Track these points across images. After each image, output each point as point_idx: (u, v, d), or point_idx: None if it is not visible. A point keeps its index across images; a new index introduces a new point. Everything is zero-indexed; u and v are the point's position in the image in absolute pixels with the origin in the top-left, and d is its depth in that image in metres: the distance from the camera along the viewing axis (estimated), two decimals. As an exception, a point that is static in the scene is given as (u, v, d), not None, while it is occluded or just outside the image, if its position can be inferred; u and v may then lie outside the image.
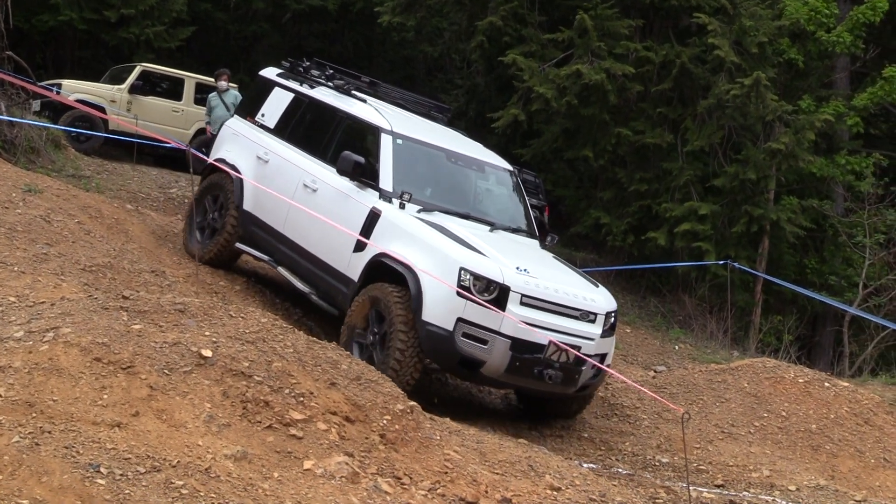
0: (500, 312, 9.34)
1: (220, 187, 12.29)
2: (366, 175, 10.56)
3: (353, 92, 11.73)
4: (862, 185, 19.93)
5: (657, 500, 8.92)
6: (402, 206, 10.32)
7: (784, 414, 10.80)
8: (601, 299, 10.18)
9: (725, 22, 18.68)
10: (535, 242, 11.23)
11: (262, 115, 12.37)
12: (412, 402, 8.39)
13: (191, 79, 21.63)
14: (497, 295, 9.44)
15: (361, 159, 10.46)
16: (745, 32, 18.80)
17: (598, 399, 11.13)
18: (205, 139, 19.23)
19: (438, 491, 7.51)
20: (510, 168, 11.98)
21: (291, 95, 12.21)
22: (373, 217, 10.32)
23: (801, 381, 11.34)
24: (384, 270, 9.95)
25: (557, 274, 10.34)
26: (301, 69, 12.45)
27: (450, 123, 12.76)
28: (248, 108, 12.85)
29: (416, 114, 12.22)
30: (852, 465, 10.15)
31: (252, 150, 12.08)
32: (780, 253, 19.69)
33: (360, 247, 10.27)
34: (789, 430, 10.57)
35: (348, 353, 8.93)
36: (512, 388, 10.53)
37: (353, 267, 10.30)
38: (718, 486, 9.34)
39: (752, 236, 18.91)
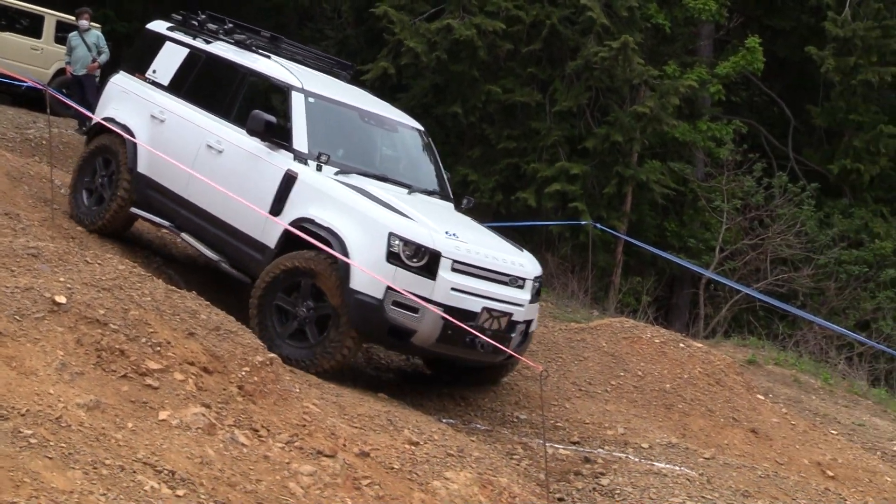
0: (432, 280, 9.06)
1: (109, 149, 11.46)
2: (278, 135, 10.05)
3: (256, 48, 11.16)
4: (721, 152, 20.36)
5: (514, 456, 9.01)
6: (318, 169, 9.83)
7: (640, 373, 10.97)
8: (529, 264, 9.98)
9: (601, -15, 18.79)
10: (451, 205, 10.92)
11: (154, 72, 11.61)
12: (272, 354, 8.30)
13: (51, 16, 20.86)
14: (428, 261, 9.11)
15: (273, 119, 9.97)
16: (614, -6, 18.94)
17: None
18: (65, 80, 18.64)
19: (296, 444, 7.45)
20: (420, 128, 11.61)
21: (186, 51, 11.50)
22: (288, 180, 9.80)
23: (657, 341, 11.52)
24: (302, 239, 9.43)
25: (484, 238, 10.10)
26: (195, 23, 11.75)
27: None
28: (137, 64, 11.99)
29: (319, 71, 11.70)
30: (703, 424, 10.36)
31: (145, 109, 11.33)
32: (642, 214, 20.00)
33: (275, 211, 9.76)
34: (644, 390, 10.74)
35: (208, 302, 8.76)
36: (441, 357, 10.01)
37: (269, 233, 9.78)
38: (574, 443, 9.45)
39: (621, 198, 19.16)
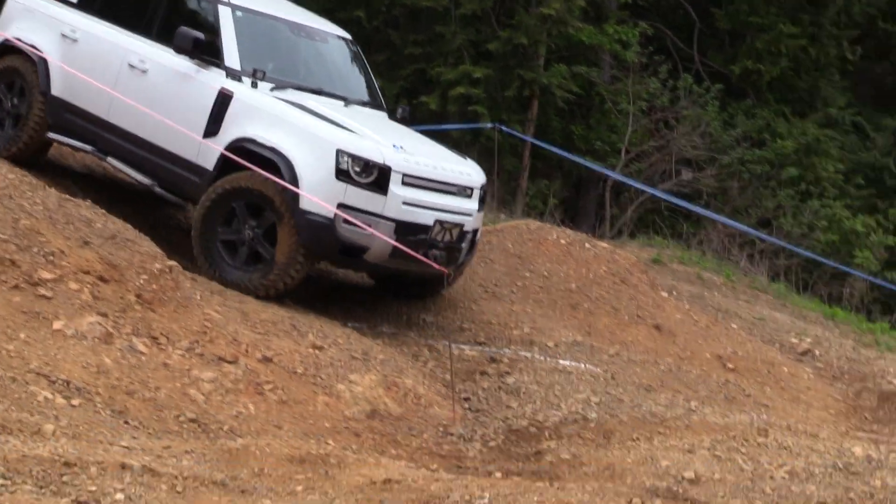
0: (384, 195, 8.90)
1: (17, 72, 10.63)
2: (207, 52, 9.62)
3: None
4: (627, 55, 20.28)
5: (420, 358, 8.99)
6: (254, 85, 9.47)
7: (546, 274, 10.96)
8: (475, 173, 9.83)
9: None
10: (385, 115, 10.61)
11: None
12: (171, 262, 8.17)
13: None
14: (377, 176, 8.93)
15: (201, 35, 9.55)
16: None
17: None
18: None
19: (197, 350, 7.37)
20: (348, 36, 11.23)
21: None
22: (223, 99, 9.42)
23: (563, 242, 11.52)
24: (246, 157, 9.07)
25: (429, 149, 9.90)
26: None
27: None
28: None
29: None
30: (608, 322, 10.42)
31: (54, 28, 10.54)
32: (548, 118, 19.92)
33: (211, 132, 9.40)
34: (550, 290, 10.75)
35: (104, 211, 8.54)
36: (393, 273, 9.78)
37: (205, 155, 9.40)
38: (480, 344, 9.45)
39: (523, 101, 19.04)
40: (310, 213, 8.80)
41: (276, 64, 10.00)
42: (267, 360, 7.62)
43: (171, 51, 9.71)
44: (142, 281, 7.71)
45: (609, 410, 8.07)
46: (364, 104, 10.41)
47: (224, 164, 9.22)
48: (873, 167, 23.33)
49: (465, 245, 9.49)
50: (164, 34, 9.87)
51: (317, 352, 8.01)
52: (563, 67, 19.21)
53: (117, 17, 10.36)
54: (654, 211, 19.52)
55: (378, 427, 7.45)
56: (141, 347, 7.10)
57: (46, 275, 7.16)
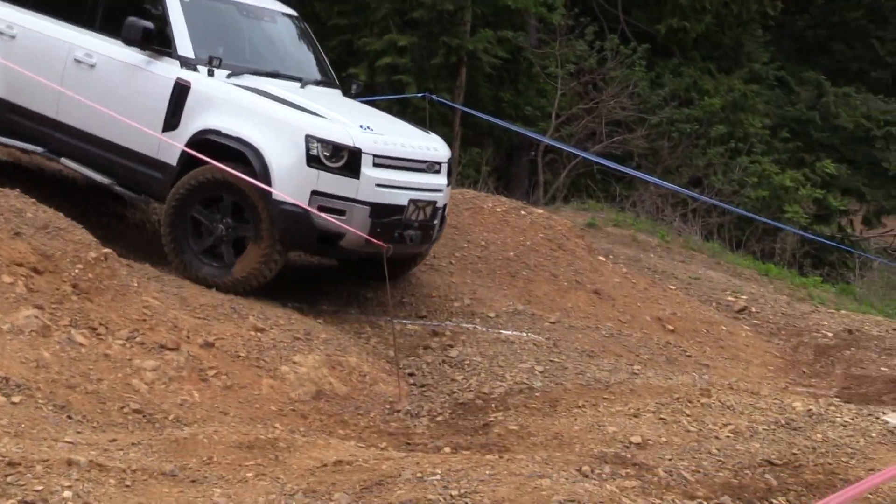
0: (356, 179, 8.73)
1: None
2: (158, 42, 9.29)
3: None
4: (553, 17, 20.30)
5: (362, 335, 8.98)
6: (210, 74, 9.20)
7: (483, 243, 10.98)
8: (441, 147, 9.70)
9: None
10: (339, 92, 10.39)
11: None
12: (106, 250, 8.07)
13: None
14: (348, 160, 8.73)
15: (150, 25, 9.21)
16: None
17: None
18: None
19: (137, 339, 7.30)
20: (295, 14, 10.96)
21: None
22: (181, 90, 9.14)
23: (498, 210, 11.55)
24: (211, 149, 8.81)
25: (393, 126, 9.72)
26: None
27: None
28: None
29: None
30: (547, 289, 10.47)
31: None
32: (477, 86, 19.90)
33: (171, 126, 9.10)
34: (488, 259, 10.77)
35: (34, 200, 8.39)
36: (368, 257, 9.43)
37: (166, 150, 9.10)
38: (421, 318, 9.46)
39: (451, 68, 19.00)
40: (283, 203, 8.57)
41: (228, 49, 9.73)
42: (209, 345, 7.56)
43: (120, 43, 9.39)
44: (77, 270, 7.61)
45: (553, 379, 8.10)
46: (319, 83, 10.20)
47: (188, 159, 8.93)
48: (799, 121, 23.62)
49: (436, 222, 9.44)
50: (109, 26, 9.54)
51: (259, 334, 7.97)
52: (490, 32, 19.19)
53: (57, 11, 9.94)
54: (587, 175, 19.63)
55: (325, 408, 7.44)
56: (80, 339, 7.02)
57: (-22, 269, 7.06)
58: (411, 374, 8.27)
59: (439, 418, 7.61)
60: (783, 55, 25.09)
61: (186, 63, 9.25)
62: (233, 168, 8.63)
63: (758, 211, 18.99)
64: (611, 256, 12.33)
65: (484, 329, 9.13)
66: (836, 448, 6.92)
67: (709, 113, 20.73)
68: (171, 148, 9.05)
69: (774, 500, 6.13)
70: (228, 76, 9.27)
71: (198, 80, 9.17)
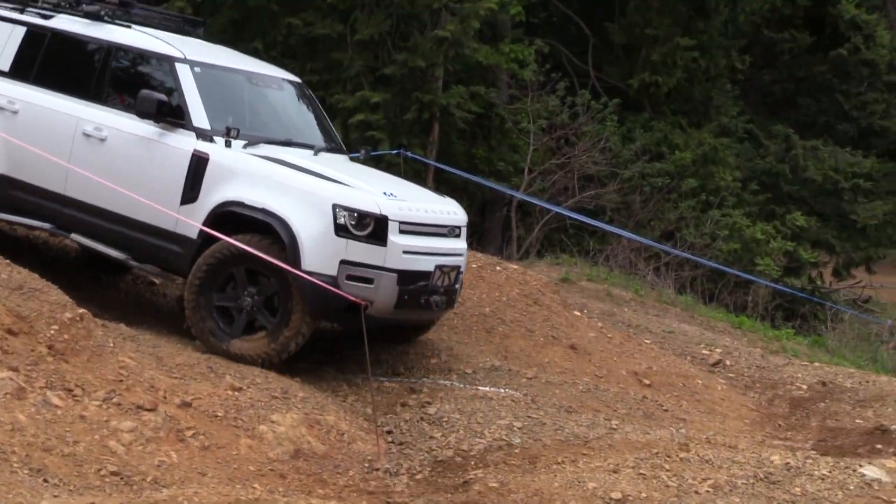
0: (384, 246, 8.64)
1: None
2: (171, 114, 9.08)
3: (110, 18, 9.85)
4: (525, 73, 20.49)
5: (339, 393, 8.95)
6: (228, 145, 8.98)
7: (459, 299, 10.98)
8: (459, 211, 9.65)
9: (391, -90, 18.57)
10: (346, 157, 10.23)
11: None
12: (82, 310, 8.02)
13: None
14: (375, 227, 8.60)
15: (164, 98, 9.03)
16: (410, -80, 18.76)
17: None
18: None
19: (114, 400, 7.24)
20: (299, 80, 10.83)
21: (23, 29, 9.94)
22: (199, 162, 8.91)
23: (473, 266, 11.56)
24: (235, 222, 8.70)
25: (412, 192, 9.63)
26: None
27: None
28: None
29: (172, 32, 10.41)
30: (523, 345, 10.48)
31: None
32: (450, 142, 20.02)
33: (189, 198, 8.89)
34: (464, 315, 10.77)
35: (8, 261, 8.34)
36: (395, 324, 9.38)
37: (186, 223, 8.85)
38: (399, 375, 9.43)
39: (424, 124, 19.11)
40: (313, 273, 8.42)
41: (240, 118, 9.56)
42: (186, 405, 7.51)
43: (131, 115, 9.20)
44: (52, 331, 7.55)
45: (532, 435, 8.09)
46: (329, 150, 10.01)
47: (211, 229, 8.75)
48: (768, 173, 23.85)
49: (458, 286, 9.41)
50: (116, 98, 9.43)
51: (236, 393, 7.92)
52: (462, 88, 19.33)
53: (61, 85, 9.69)
54: (560, 229, 19.72)
55: (303, 467, 7.37)
56: (56, 401, 6.95)
57: (-48, 331, 7.01)
58: (389, 432, 8.23)
59: (419, 476, 7.58)
60: (752, 109, 25.37)
61: (202, 134, 9.05)
62: (258, 240, 8.55)
63: (729, 264, 19.11)
64: (585, 311, 12.36)
65: (461, 385, 9.11)
66: (814, 502, 6.97)
67: (680, 167, 20.90)
68: (191, 220, 8.84)
69: (756, 556, 6.16)
70: (245, 146, 9.09)
71: (216, 151, 8.97)
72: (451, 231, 9.35)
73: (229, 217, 8.75)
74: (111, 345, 7.91)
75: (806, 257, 22.06)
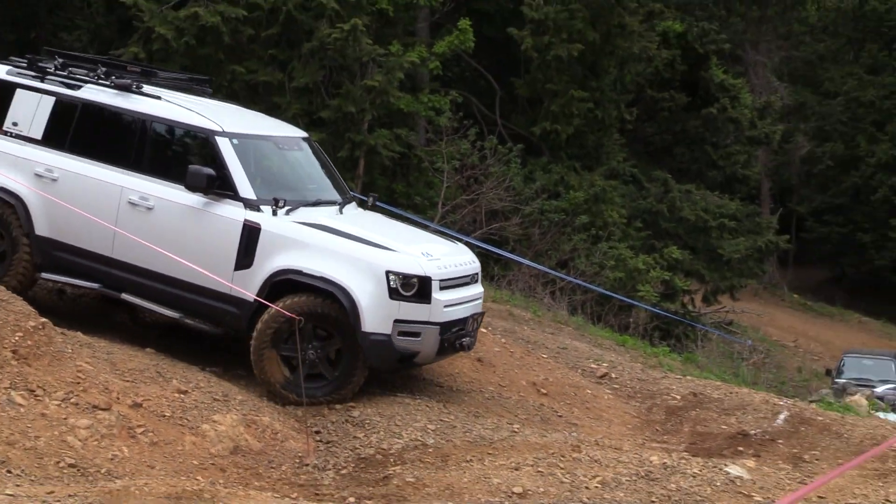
0: (428, 304, 8.52)
1: None
2: (219, 186, 8.66)
3: (144, 90, 9.33)
4: (440, 120, 20.61)
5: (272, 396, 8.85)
6: (274, 213, 8.62)
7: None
8: (474, 258, 9.54)
9: (326, -26, 18.59)
10: (355, 204, 9.86)
11: (14, 125, 9.44)
12: (44, 319, 7.89)
13: None
14: (419, 287, 8.45)
15: (213, 172, 8.60)
16: (343, -17, 18.81)
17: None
18: None
19: (72, 400, 7.12)
20: (306, 135, 10.36)
21: (52, 99, 9.38)
22: (251, 231, 8.54)
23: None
24: (291, 286, 8.44)
25: (437, 246, 9.32)
26: (46, 66, 9.62)
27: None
28: None
29: (181, 91, 9.89)
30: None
31: (25, 168, 9.27)
32: (374, 178, 20.02)
33: (244, 264, 8.53)
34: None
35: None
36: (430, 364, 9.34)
37: (244, 285, 8.51)
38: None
39: (354, 161, 19.10)
40: (372, 333, 8.29)
41: (276, 184, 9.20)
42: (137, 405, 7.41)
43: (177, 186, 8.78)
44: (17, 338, 7.41)
45: (444, 436, 8.07)
46: (346, 203, 9.62)
47: (267, 294, 8.44)
48: (649, 212, 24.24)
49: (479, 326, 9.40)
50: (158, 170, 8.98)
51: (182, 396, 7.82)
52: (386, 131, 19.39)
53: (98, 154, 9.20)
54: (469, 256, 19.78)
55: (241, 462, 7.31)
56: (19, 400, 6.82)
57: (-78, 337, 6.85)
58: (318, 432, 8.16)
59: (344, 471, 7.52)
60: (636, 156, 25.81)
61: (250, 204, 8.68)
62: (321, 301, 8.36)
63: (615, 290, 19.32)
64: (490, 328, 12.35)
65: (382, 392, 9.07)
66: (687, 496, 7.02)
67: (573, 204, 21.13)
68: (245, 284, 8.52)
69: (637, 543, 6.21)
70: (287, 213, 8.71)
71: (267, 221, 8.60)
72: (473, 279, 9.26)
73: (287, 283, 8.47)
74: (70, 351, 7.79)
75: (680, 285, 22.42)
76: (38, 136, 9.37)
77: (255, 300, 8.44)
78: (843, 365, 23.43)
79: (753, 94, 31.12)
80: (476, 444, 7.95)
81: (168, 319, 9.38)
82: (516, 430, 8.45)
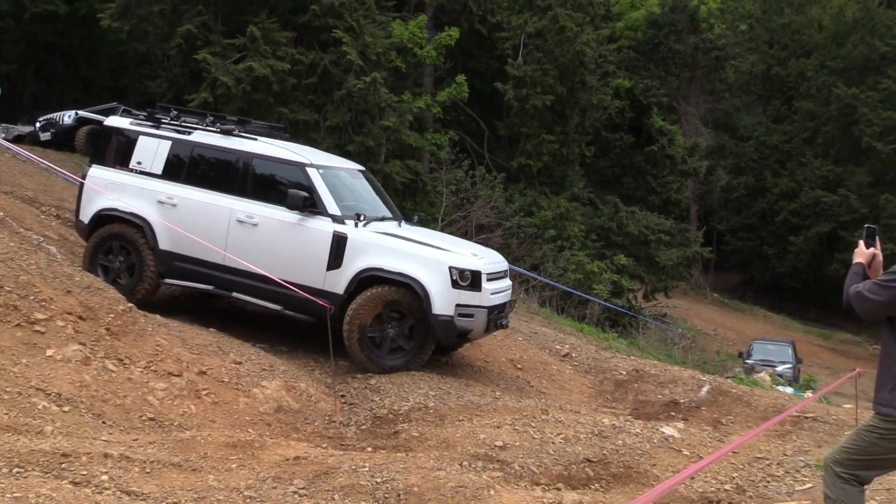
0: (479, 292, 8.65)
1: (121, 236, 9.30)
2: (311, 206, 8.76)
3: (241, 133, 9.35)
4: (441, 153, 20.63)
5: (309, 367, 8.84)
6: (356, 226, 8.76)
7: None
8: (503, 258, 9.69)
9: (354, 37, 18.58)
10: (408, 224, 9.80)
11: (139, 164, 9.42)
12: (131, 304, 7.87)
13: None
14: (473, 279, 8.58)
15: (307, 195, 8.71)
16: (367, 45, 18.79)
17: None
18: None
19: (152, 368, 7.11)
20: (363, 168, 10.36)
21: (169, 143, 9.38)
22: (339, 240, 8.65)
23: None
24: (374, 281, 8.56)
25: (480, 249, 9.52)
26: (160, 116, 9.63)
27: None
28: (112, 159, 9.59)
29: (266, 135, 9.71)
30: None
31: (148, 197, 9.27)
32: (389, 197, 20.01)
33: (334, 266, 8.64)
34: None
35: (80, 268, 8.14)
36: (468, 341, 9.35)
37: (333, 282, 8.65)
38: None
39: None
40: (440, 315, 8.45)
41: (352, 203, 9.22)
42: (202, 373, 7.40)
43: (276, 206, 8.86)
44: (110, 318, 7.41)
45: (442, 400, 8.06)
46: (402, 220, 9.70)
47: (355, 288, 8.61)
48: (602, 228, 24.25)
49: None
50: (260, 194, 8.98)
51: (237, 366, 7.81)
52: (398, 162, 19.38)
53: (210, 183, 9.18)
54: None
55: (283, 418, 7.29)
56: (111, 367, 6.82)
57: (40, 315, 6.81)
58: (343, 396, 8.16)
59: (363, 427, 7.52)
60: (592, 184, 25.81)
61: (336, 219, 8.77)
62: (397, 291, 8.51)
63: (575, 288, 19.34)
64: (478, 316, 12.35)
65: (393, 365, 9.05)
66: (631, 450, 7.02)
67: (543, 221, 21.16)
68: (336, 281, 8.66)
69: (592, 486, 6.20)
70: (365, 225, 8.83)
71: (352, 232, 8.72)
72: (505, 273, 9.38)
73: (370, 279, 8.60)
74: (150, 329, 7.78)
75: (626, 285, 22.45)
76: (159, 171, 9.36)
77: (354, 276, 8.54)
78: (752, 349, 23.48)
79: (685, 137, 31.15)
80: (466, 407, 7.95)
81: (256, 308, 9.40)
82: (498, 396, 8.44)
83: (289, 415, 7.42)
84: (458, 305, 8.55)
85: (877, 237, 4.36)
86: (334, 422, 7.56)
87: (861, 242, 4.35)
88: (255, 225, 8.94)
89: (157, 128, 9.53)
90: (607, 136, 26.36)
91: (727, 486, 6.24)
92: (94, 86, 29.62)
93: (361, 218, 8.83)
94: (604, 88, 23.92)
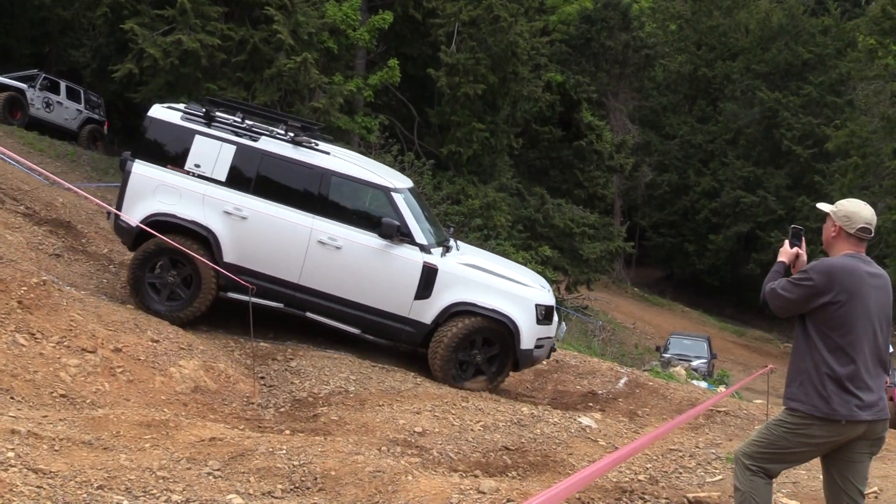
0: (551, 324, 9.08)
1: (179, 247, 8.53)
2: (400, 234, 8.59)
3: (311, 143, 8.80)
4: (370, 137, 20.49)
5: (229, 348, 8.71)
6: (443, 255, 8.69)
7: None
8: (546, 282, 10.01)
9: (286, 16, 18.31)
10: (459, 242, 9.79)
11: (197, 166, 8.64)
12: (46, 277, 7.66)
13: None
14: (547, 313, 8.95)
15: (398, 223, 8.53)
16: (299, 24, 18.53)
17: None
18: None
19: (65, 343, 6.93)
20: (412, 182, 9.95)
21: (233, 148, 8.63)
22: (429, 271, 8.57)
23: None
24: (463, 313, 8.63)
25: (535, 276, 9.67)
26: (218, 116, 8.83)
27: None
28: (164, 156, 8.71)
29: (308, 133, 9.02)
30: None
31: (212, 205, 8.58)
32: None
33: (423, 295, 8.58)
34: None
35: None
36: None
37: (421, 312, 8.62)
38: (271, 338, 9.22)
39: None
40: (526, 349, 8.79)
41: (427, 228, 8.99)
42: (118, 350, 7.24)
43: (361, 230, 8.63)
44: (22, 291, 7.19)
45: (362, 385, 8.06)
46: (451, 237, 9.59)
47: (442, 320, 8.67)
48: (529, 219, 24.44)
49: None
50: (341, 216, 8.67)
51: (154, 344, 7.67)
52: (327, 144, 19.18)
53: (284, 198, 8.64)
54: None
55: (200, 399, 7.19)
56: (22, 341, 6.62)
57: (-54, 287, 6.58)
58: (263, 378, 8.09)
59: (282, 409, 7.47)
60: (521, 175, 26.00)
61: (423, 248, 8.69)
62: (484, 322, 8.66)
63: (499, 277, 19.42)
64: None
65: (315, 348, 9.02)
66: (549, 439, 7.14)
67: (471, 209, 21.20)
68: (425, 311, 8.67)
69: (509, 474, 6.27)
70: (443, 254, 8.80)
71: (441, 264, 8.68)
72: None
73: (460, 312, 8.67)
74: (64, 304, 7.58)
75: (550, 277, 22.68)
76: (222, 178, 8.66)
77: (444, 308, 8.67)
78: (669, 343, 24.04)
79: (612, 133, 31.64)
80: (387, 392, 7.95)
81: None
82: (419, 382, 8.47)
83: (206, 395, 7.32)
84: (538, 339, 8.94)
85: (803, 238, 4.49)
86: (252, 404, 7.47)
87: (786, 242, 4.48)
88: (338, 248, 8.64)
89: (207, 125, 8.76)
90: (537, 128, 26.55)
91: (641, 477, 6.38)
92: (13, 53, 28.52)
93: (449, 248, 8.93)
94: (535, 81, 24.06)
